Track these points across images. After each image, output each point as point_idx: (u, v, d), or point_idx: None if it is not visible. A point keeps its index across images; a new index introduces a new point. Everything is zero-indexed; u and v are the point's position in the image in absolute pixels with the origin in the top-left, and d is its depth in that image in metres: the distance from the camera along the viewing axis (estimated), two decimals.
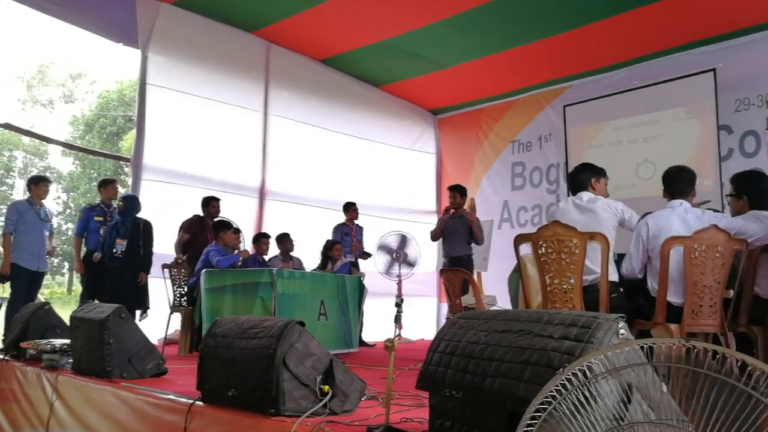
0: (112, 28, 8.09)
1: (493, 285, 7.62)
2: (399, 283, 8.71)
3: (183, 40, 7.95)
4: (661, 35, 7.48)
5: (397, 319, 2.49)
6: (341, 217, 8.36)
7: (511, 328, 2.27)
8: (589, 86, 8.64)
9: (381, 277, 8.68)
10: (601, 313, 2.18)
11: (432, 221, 10.41)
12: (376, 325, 8.01)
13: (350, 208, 8.24)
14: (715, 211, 4.01)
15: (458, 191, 7.35)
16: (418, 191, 10.62)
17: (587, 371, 1.53)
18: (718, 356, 1.31)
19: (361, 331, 7.34)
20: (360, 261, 8.16)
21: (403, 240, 8.73)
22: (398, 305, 2.42)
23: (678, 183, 3.87)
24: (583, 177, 4.11)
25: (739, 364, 1.31)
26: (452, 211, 7.30)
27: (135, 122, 7.79)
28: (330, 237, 8.00)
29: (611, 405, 1.66)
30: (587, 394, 1.52)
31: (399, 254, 8.77)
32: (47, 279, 29.64)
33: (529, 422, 1.51)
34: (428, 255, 8.87)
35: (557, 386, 1.52)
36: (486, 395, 2.15)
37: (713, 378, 1.30)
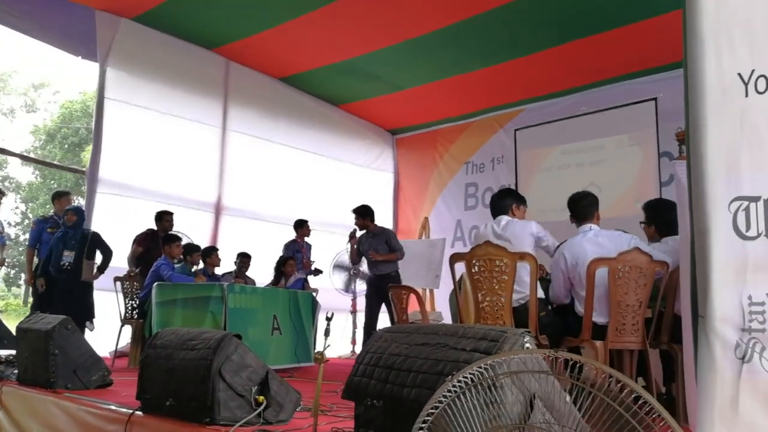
0: (71, 42, 8.09)
1: (445, 302, 7.79)
2: (354, 299, 8.86)
3: (142, 56, 8.00)
4: (607, 64, 7.79)
5: (327, 333, 2.60)
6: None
7: (429, 341, 2.41)
8: (540, 111, 8.92)
9: (335, 292, 8.80)
10: (509, 328, 2.34)
11: None
12: (331, 340, 8.09)
13: (302, 226, 8.31)
14: (625, 231, 4.22)
15: (358, 213, 7.58)
16: (376, 209, 10.70)
17: (474, 377, 1.68)
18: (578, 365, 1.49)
19: (314, 346, 7.43)
20: (310, 278, 8.26)
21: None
22: (328, 319, 2.51)
23: (582, 208, 4.09)
24: (505, 202, 4.31)
25: (609, 374, 1.49)
26: (358, 233, 7.65)
27: (92, 135, 7.82)
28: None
29: (514, 412, 1.81)
30: (475, 398, 1.68)
31: (356, 270, 8.91)
32: (2, 290, 29.17)
33: (420, 425, 1.65)
34: None
35: (447, 392, 1.67)
36: (404, 404, 2.28)
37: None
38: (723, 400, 1.71)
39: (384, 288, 7.16)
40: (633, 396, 1.43)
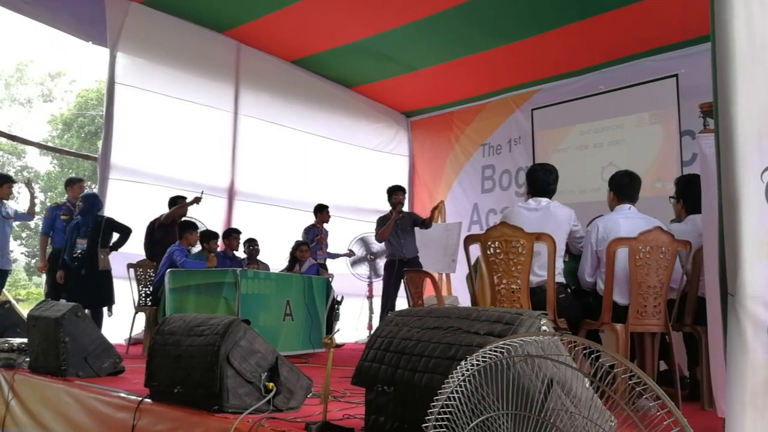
0: (82, 27, 8.06)
1: (462, 286, 7.69)
2: (370, 284, 8.76)
3: (152, 40, 7.94)
4: (626, 41, 7.60)
5: (336, 317, 2.54)
6: (312, 219, 8.38)
7: (441, 324, 2.32)
8: (557, 90, 8.75)
9: (351, 277, 8.71)
10: (525, 310, 2.24)
11: None
12: (347, 325, 8.08)
13: (322, 211, 8.25)
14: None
15: (403, 191, 7.51)
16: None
17: (488, 361, 1.58)
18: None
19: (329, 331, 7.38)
20: (328, 262, 8.22)
21: (364, 241, 8.77)
22: (338, 303, 2.44)
23: (630, 189, 3.96)
24: (554, 184, 4.13)
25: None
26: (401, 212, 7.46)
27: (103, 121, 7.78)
28: (299, 238, 8.00)
29: (530, 396, 1.71)
30: (490, 382, 1.58)
31: (371, 256, 8.82)
32: (24, 279, 29.45)
33: (436, 416, 1.55)
34: None
35: (460, 377, 1.57)
36: (415, 390, 2.20)
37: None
38: (755, 384, 1.60)
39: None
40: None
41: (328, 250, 8.35)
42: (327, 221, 8.32)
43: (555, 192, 4.12)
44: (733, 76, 1.63)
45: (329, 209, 8.33)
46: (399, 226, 7.33)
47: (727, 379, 1.65)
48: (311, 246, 7.87)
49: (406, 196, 10.75)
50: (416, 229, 7.53)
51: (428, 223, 7.50)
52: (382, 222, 7.43)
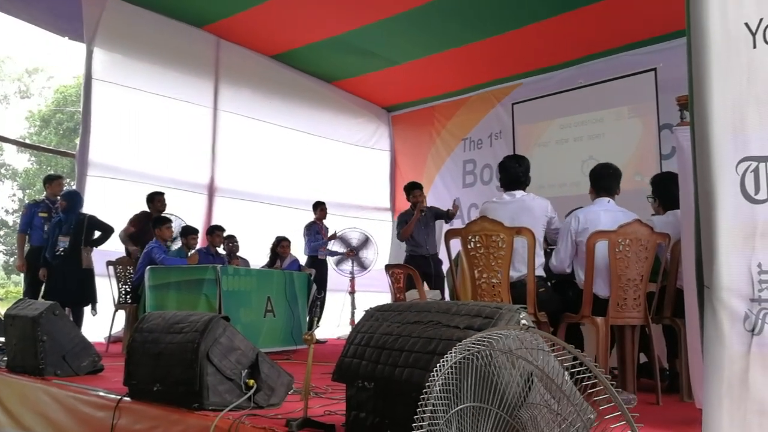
0: (58, 22, 7.92)
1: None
2: (352, 280, 8.73)
3: (130, 35, 7.84)
4: (605, 35, 7.64)
5: (316, 314, 2.52)
6: (294, 215, 8.35)
7: (422, 319, 2.31)
8: (538, 85, 8.79)
9: (335, 272, 8.68)
10: (504, 304, 2.24)
11: (386, 218, 10.49)
12: (329, 321, 8.07)
13: (318, 207, 8.25)
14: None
15: (421, 187, 7.44)
16: (373, 189, 10.65)
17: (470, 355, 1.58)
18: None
19: (310, 327, 7.35)
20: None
21: (366, 241, 8.71)
22: (317, 298, 2.43)
23: (606, 181, 3.97)
24: (525, 178, 4.13)
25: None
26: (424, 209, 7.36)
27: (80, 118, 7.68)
28: (281, 234, 7.97)
29: (511, 390, 1.71)
30: (471, 376, 1.58)
31: (355, 251, 8.76)
32: (2, 278, 29.12)
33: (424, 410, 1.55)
34: (382, 251, 8.93)
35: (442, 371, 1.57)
36: (395, 385, 2.19)
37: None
38: (731, 376, 1.61)
39: (431, 269, 7.00)
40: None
41: (328, 246, 8.34)
42: (324, 217, 8.31)
43: (529, 182, 4.12)
44: (708, 68, 1.64)
45: (324, 204, 8.33)
46: (422, 222, 7.25)
47: (704, 371, 1.66)
48: (317, 242, 7.88)
49: (388, 191, 10.82)
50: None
51: (452, 215, 7.49)
52: (403, 220, 7.34)
